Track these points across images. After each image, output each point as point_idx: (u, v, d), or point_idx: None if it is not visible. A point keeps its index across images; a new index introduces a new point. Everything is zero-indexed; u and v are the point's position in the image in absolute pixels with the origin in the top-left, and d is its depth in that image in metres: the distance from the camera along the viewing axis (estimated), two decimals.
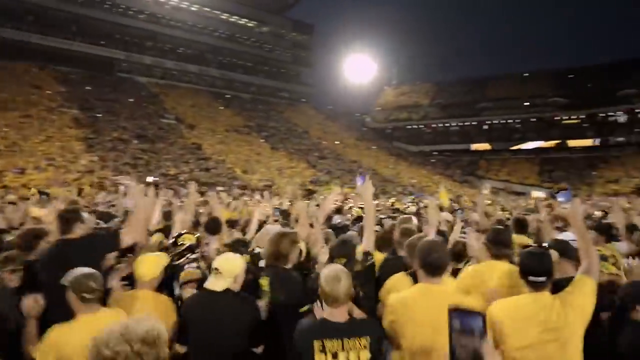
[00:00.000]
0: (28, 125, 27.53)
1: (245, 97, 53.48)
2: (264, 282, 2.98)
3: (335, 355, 2.11)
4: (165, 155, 29.72)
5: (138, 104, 39.37)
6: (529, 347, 2.10)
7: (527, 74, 55.12)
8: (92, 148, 27.13)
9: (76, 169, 22.59)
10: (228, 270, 2.62)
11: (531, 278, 2.21)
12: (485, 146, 51.66)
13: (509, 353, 2.10)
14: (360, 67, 64.98)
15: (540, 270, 2.20)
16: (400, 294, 2.54)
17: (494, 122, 53.19)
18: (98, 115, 33.94)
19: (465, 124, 54.67)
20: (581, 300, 2.16)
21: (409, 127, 57.97)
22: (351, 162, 42.34)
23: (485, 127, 53.70)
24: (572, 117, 48.82)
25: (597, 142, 45.27)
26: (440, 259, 2.46)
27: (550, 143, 47.98)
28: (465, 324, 1.24)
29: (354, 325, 2.24)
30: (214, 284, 2.62)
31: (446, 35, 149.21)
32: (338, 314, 2.21)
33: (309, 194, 14.48)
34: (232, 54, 54.39)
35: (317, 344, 2.12)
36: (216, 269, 2.63)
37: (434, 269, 2.45)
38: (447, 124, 55.94)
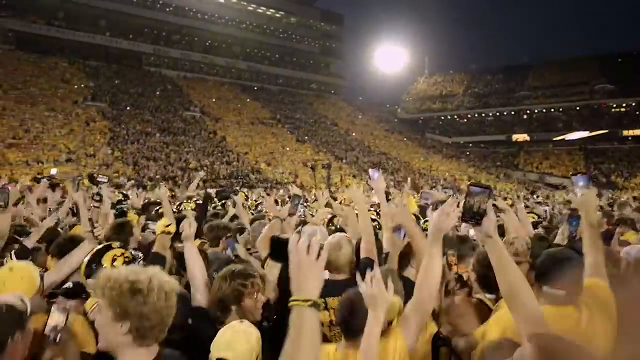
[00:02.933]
0: (53, 118, 27.56)
1: (272, 89, 52.61)
2: None
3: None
4: (187, 149, 29.15)
5: (164, 97, 39.16)
6: None
7: (571, 60, 51.54)
8: (114, 141, 26.86)
9: (93, 163, 22.22)
10: None
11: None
12: (524, 137, 48.59)
13: None
14: (391, 57, 62.91)
15: None
16: None
17: (535, 111, 50.02)
18: (124, 109, 33.83)
19: (504, 113, 51.70)
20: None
21: (443, 117, 55.44)
22: (380, 154, 40.71)
23: (525, 116, 50.57)
24: (622, 104, 45.15)
25: None
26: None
27: (598, 132, 44.44)
28: (478, 190, 1.61)
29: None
30: None
31: (480, 21, 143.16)
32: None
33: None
34: (260, 46, 53.55)
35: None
36: None
37: None
38: (483, 114, 53.05)
